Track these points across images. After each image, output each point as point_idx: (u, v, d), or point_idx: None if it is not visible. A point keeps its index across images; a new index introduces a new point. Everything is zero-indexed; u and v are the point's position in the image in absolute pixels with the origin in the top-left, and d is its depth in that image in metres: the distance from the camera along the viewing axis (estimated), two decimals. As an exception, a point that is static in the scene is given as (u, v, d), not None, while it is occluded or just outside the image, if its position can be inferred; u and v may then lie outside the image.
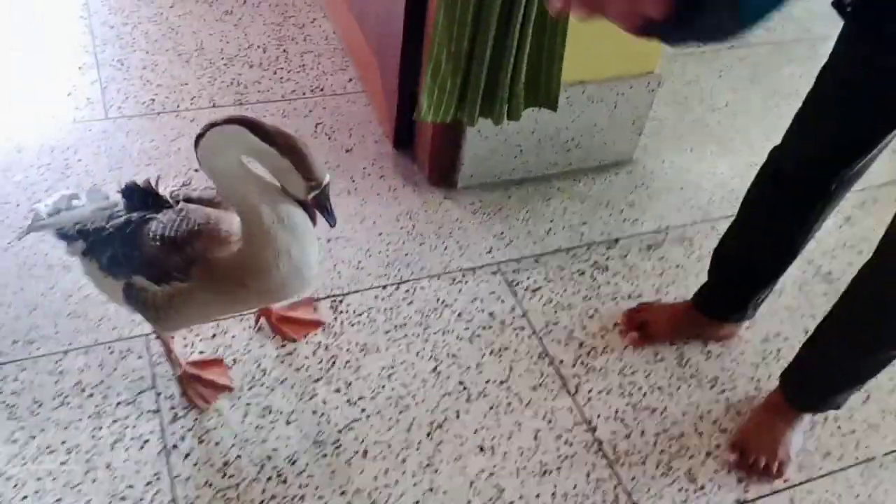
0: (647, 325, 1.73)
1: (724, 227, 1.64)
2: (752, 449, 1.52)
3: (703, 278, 1.70)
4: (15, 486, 1.34)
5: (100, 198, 1.40)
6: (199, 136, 1.13)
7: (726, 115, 2.40)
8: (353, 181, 2.00)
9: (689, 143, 2.28)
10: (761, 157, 1.48)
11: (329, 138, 2.11)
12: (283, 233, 1.18)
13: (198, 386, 1.49)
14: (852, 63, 1.21)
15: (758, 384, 1.68)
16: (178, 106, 2.11)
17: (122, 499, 1.35)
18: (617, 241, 1.97)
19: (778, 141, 1.42)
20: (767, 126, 2.28)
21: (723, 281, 1.66)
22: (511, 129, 1.94)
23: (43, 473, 1.36)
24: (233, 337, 1.61)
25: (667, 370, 1.69)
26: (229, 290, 1.24)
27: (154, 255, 1.23)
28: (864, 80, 1.20)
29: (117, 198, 1.33)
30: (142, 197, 1.29)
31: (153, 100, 2.12)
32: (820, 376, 1.48)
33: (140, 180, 1.30)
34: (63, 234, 1.37)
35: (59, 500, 1.33)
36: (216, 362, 1.55)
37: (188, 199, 1.30)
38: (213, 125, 1.12)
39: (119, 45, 2.27)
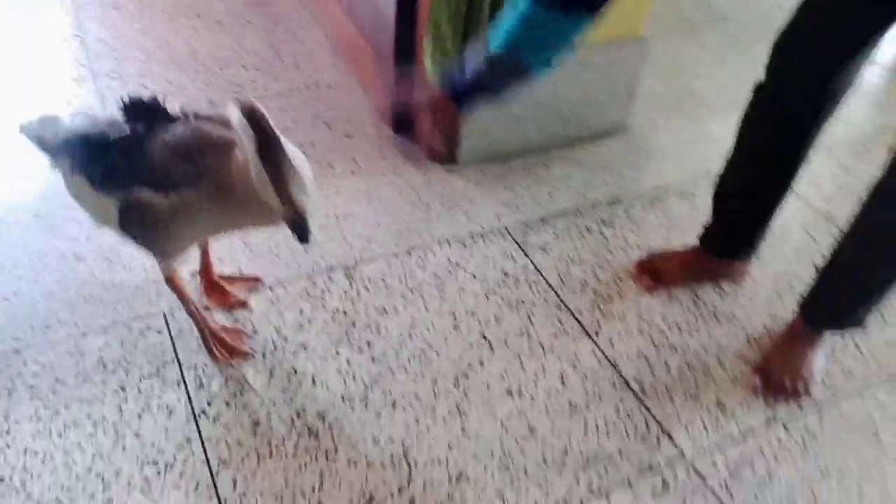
0: (659, 271, 1.74)
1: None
2: (777, 371, 1.52)
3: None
4: (42, 460, 1.32)
5: (87, 118, 1.38)
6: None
7: (712, 81, 2.45)
8: (356, 163, 2.02)
9: (679, 109, 2.33)
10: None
11: (329, 127, 2.14)
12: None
13: (218, 342, 1.49)
14: None
15: (774, 317, 1.69)
16: (176, 107, 2.14)
17: (154, 463, 1.33)
18: (620, 199, 1.99)
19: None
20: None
21: (725, 217, 1.68)
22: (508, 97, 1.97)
23: (70, 446, 1.35)
24: (251, 309, 1.61)
25: (683, 310, 1.70)
26: (233, 206, 1.22)
27: (164, 162, 1.22)
28: None
29: (110, 116, 1.32)
30: (147, 112, 1.27)
31: (151, 103, 2.15)
32: (841, 290, 1.50)
33: (145, 96, 1.29)
34: (48, 148, 1.34)
35: (89, 469, 1.32)
36: (237, 331, 1.55)
37: (198, 117, 1.29)
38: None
39: (114, 57, 2.31)
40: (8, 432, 1.36)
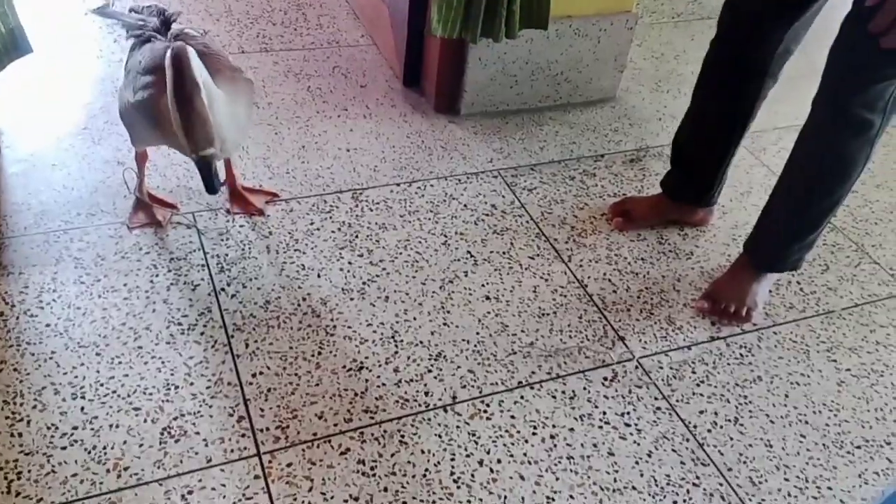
0: (629, 212, 1.96)
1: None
2: (723, 297, 1.74)
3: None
4: (84, 313, 1.55)
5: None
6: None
7: (696, 66, 2.67)
8: (368, 109, 2.25)
9: (665, 86, 2.55)
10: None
11: (345, 77, 2.37)
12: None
13: (142, 209, 1.77)
14: None
15: (728, 257, 1.91)
16: (210, 50, 2.38)
17: (179, 324, 1.56)
18: (603, 156, 2.22)
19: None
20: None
21: (682, 163, 1.90)
22: (508, 58, 2.21)
23: (108, 305, 1.57)
24: (267, 216, 1.84)
25: (648, 246, 1.92)
26: (160, 129, 1.47)
27: (139, 67, 1.50)
28: None
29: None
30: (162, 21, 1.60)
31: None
32: (772, 236, 1.71)
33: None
34: (127, 26, 1.66)
35: (123, 323, 1.54)
36: (168, 205, 1.79)
37: (186, 37, 1.56)
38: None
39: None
40: (55, 290, 1.58)
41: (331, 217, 1.87)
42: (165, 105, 1.40)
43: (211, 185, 1.46)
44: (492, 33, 2.03)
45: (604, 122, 2.34)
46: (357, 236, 1.83)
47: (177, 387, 1.44)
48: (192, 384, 1.44)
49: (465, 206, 1.97)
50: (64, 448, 1.31)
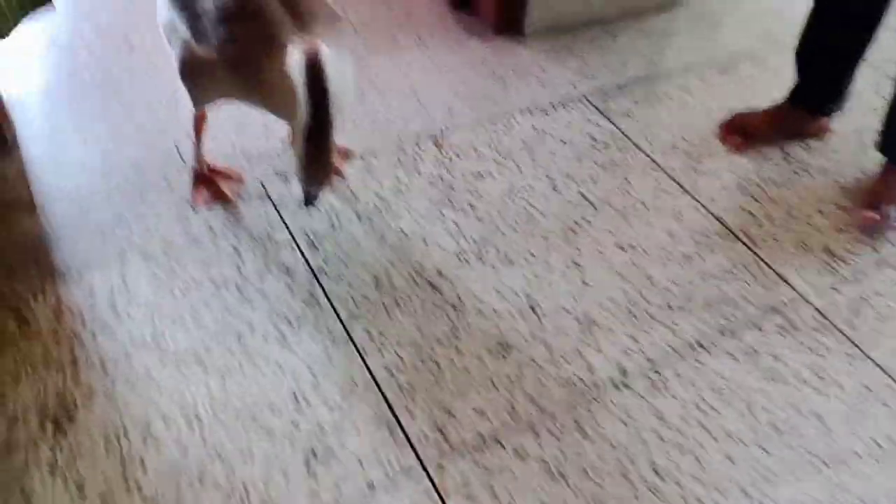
0: (746, 129, 1.73)
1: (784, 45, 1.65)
2: (880, 203, 1.54)
3: (779, 92, 1.72)
4: (170, 317, 1.29)
5: None
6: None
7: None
8: (420, 39, 1.97)
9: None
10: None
11: (386, 6, 2.06)
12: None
13: (205, 185, 1.50)
14: None
15: (863, 168, 1.70)
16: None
17: (285, 317, 1.31)
18: (692, 67, 1.97)
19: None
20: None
21: (812, 73, 1.67)
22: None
23: (196, 303, 1.32)
24: (344, 176, 1.58)
25: (776, 166, 1.70)
26: (246, 86, 1.24)
27: (205, 12, 1.22)
28: None
29: None
30: None
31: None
32: None
33: None
34: None
35: (220, 323, 1.29)
36: (229, 176, 1.53)
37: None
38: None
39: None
40: (127, 292, 1.32)
41: (417, 170, 1.61)
42: (282, 79, 1.16)
43: (311, 203, 1.33)
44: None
45: (681, 28, 2.09)
46: (453, 189, 1.58)
47: (306, 397, 1.20)
48: (322, 391, 1.21)
49: (561, 140, 1.72)
50: (201, 491, 1.08)
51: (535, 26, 2.00)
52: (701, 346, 1.33)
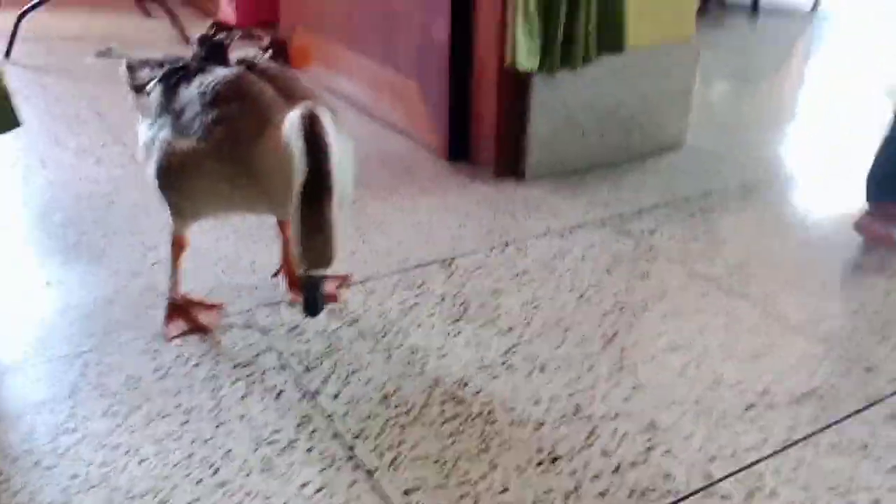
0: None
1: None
2: None
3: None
4: (126, 451, 1.02)
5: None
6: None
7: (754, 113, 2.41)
8: (422, 188, 1.86)
9: (729, 127, 2.25)
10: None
11: (383, 165, 1.98)
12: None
13: (180, 315, 1.29)
14: None
15: None
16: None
17: (272, 443, 1.04)
18: (711, 193, 1.85)
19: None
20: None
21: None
22: (572, 103, 1.86)
23: (161, 435, 1.05)
24: (343, 302, 1.37)
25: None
26: (236, 173, 1.09)
27: (189, 102, 1.13)
28: None
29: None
30: (212, 50, 1.20)
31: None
32: None
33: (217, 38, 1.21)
34: (129, 66, 1.30)
35: (189, 454, 1.02)
36: (210, 306, 1.33)
37: (251, 67, 1.17)
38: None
39: None
40: (75, 429, 1.06)
41: (426, 290, 1.42)
42: (271, 158, 1.04)
43: (314, 306, 1.02)
44: (570, 61, 1.72)
45: (689, 165, 2.00)
46: (469, 304, 1.37)
47: (299, 530, 0.90)
48: (320, 522, 0.91)
49: (582, 257, 1.54)
50: None
51: (535, 170, 1.90)
52: (799, 442, 1.05)
